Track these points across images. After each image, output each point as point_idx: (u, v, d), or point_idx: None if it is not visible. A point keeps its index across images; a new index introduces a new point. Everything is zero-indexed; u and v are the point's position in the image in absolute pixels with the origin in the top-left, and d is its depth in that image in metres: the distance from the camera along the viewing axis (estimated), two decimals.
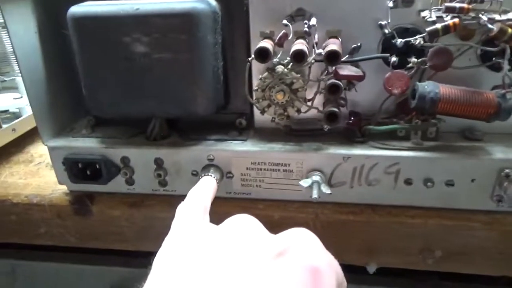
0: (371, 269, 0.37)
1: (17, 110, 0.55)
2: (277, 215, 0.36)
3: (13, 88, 0.67)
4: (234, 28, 0.36)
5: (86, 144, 0.38)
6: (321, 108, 0.35)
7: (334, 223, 0.36)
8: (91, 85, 0.35)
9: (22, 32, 0.35)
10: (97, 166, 0.38)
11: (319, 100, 0.36)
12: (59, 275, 0.49)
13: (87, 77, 0.35)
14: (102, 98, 0.35)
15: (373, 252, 0.37)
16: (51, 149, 0.38)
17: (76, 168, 0.38)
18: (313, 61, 0.32)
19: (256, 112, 0.38)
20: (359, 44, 0.33)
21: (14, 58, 0.65)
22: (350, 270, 0.40)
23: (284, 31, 0.33)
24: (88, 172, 0.38)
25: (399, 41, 0.32)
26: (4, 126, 0.49)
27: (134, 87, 0.34)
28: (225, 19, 0.35)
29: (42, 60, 0.38)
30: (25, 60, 0.36)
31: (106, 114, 0.36)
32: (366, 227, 0.35)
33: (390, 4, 0.32)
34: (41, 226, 0.41)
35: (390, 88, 0.33)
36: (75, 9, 0.33)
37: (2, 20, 0.62)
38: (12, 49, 0.64)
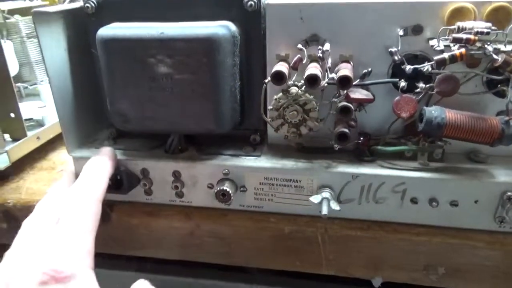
0: (377, 283, 0.39)
1: (41, 118, 0.57)
2: (287, 229, 0.38)
3: (35, 95, 0.70)
4: (251, 50, 0.38)
5: None
6: (332, 127, 0.37)
7: (342, 238, 0.37)
8: (117, 102, 0.37)
9: (54, 49, 0.38)
10: (119, 177, 0.40)
11: (330, 119, 0.37)
12: None
13: (113, 94, 0.37)
14: (126, 114, 0.37)
15: (379, 267, 0.38)
16: (76, 159, 0.41)
17: None
18: (326, 84, 0.34)
19: (270, 129, 0.40)
20: (369, 69, 0.35)
21: (37, 67, 0.68)
22: (356, 284, 0.42)
23: (299, 55, 0.35)
24: (110, 182, 0.40)
25: (408, 68, 0.34)
26: (29, 134, 0.52)
27: (156, 104, 0.36)
28: (243, 42, 0.37)
29: (70, 76, 0.40)
30: (55, 75, 0.38)
31: (129, 128, 0.38)
32: (373, 242, 0.37)
33: (401, 32, 0.34)
34: None
35: (398, 112, 0.34)
36: (104, 32, 0.35)
37: (29, 32, 0.65)
38: (35, 59, 0.67)
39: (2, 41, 0.56)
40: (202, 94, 0.36)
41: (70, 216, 0.32)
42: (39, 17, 0.36)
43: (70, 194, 0.34)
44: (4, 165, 0.46)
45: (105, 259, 0.49)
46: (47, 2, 0.74)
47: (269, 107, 0.37)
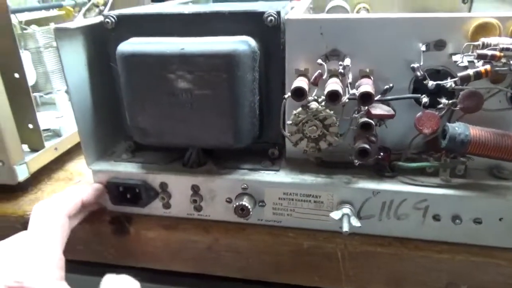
0: None
1: (58, 128, 0.58)
2: (306, 244, 0.38)
3: (50, 104, 0.71)
4: (270, 65, 0.38)
5: (128, 169, 0.40)
6: (351, 142, 0.37)
7: (362, 254, 0.37)
8: (136, 116, 0.37)
9: (74, 64, 0.38)
10: (137, 190, 0.40)
11: (350, 134, 0.37)
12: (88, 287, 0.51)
13: (132, 108, 0.37)
14: (145, 128, 0.37)
15: (400, 284, 0.38)
16: (95, 172, 0.41)
17: (117, 191, 0.41)
18: (346, 100, 0.34)
19: (288, 143, 0.40)
20: (391, 85, 0.35)
21: (53, 76, 0.69)
22: None
23: (319, 71, 0.35)
24: (128, 196, 0.41)
25: (431, 84, 0.33)
26: (47, 144, 0.52)
27: (176, 119, 0.36)
28: (262, 57, 0.37)
29: (90, 90, 0.40)
30: (76, 90, 0.38)
31: (148, 142, 0.39)
32: (394, 259, 0.37)
33: (423, 48, 0.34)
34: (80, 243, 0.44)
35: (421, 128, 0.34)
36: (124, 47, 0.36)
37: (45, 42, 0.66)
38: (51, 69, 0.68)
39: (20, 51, 0.57)
40: (222, 109, 0.35)
41: (38, 228, 0.34)
42: (61, 33, 0.36)
43: (39, 207, 0.35)
44: (24, 176, 0.47)
45: (121, 271, 0.49)
46: (63, 12, 0.75)
47: (288, 122, 0.37)
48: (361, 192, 0.36)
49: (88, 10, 0.77)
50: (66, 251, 0.45)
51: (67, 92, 0.70)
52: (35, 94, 0.66)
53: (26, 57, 0.63)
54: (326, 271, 0.38)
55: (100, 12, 0.77)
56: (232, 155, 0.41)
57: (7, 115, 0.44)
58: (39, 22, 0.69)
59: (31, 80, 0.63)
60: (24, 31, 0.65)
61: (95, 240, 0.43)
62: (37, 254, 0.32)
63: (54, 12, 0.76)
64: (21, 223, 0.44)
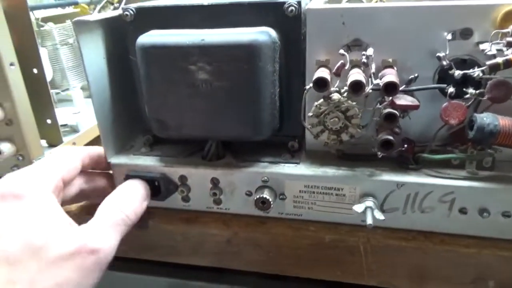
0: None
1: (75, 124, 0.58)
2: (328, 238, 0.37)
3: (66, 100, 0.72)
4: (290, 56, 0.37)
5: (147, 162, 0.40)
6: (374, 134, 0.36)
7: (385, 248, 0.36)
8: (156, 109, 0.37)
9: (93, 57, 0.38)
10: (156, 183, 0.40)
11: (372, 126, 0.36)
12: (109, 283, 0.52)
13: (152, 101, 0.37)
14: (165, 121, 0.37)
15: (424, 279, 0.37)
16: (114, 166, 0.41)
17: None
18: (370, 90, 0.33)
19: (308, 135, 0.39)
20: (416, 75, 0.34)
21: (69, 73, 0.69)
22: None
23: (341, 61, 0.34)
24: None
25: (457, 73, 0.33)
26: (65, 140, 0.52)
27: (195, 111, 0.36)
28: (282, 48, 0.36)
29: (109, 83, 0.40)
30: (95, 83, 0.38)
31: (168, 135, 0.38)
32: (418, 253, 0.36)
33: (449, 36, 0.33)
34: None
35: (447, 118, 0.33)
36: (144, 39, 0.35)
37: (61, 39, 0.66)
38: (68, 65, 0.68)
39: None
40: (242, 100, 0.35)
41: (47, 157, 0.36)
42: (80, 26, 0.36)
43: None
44: None
45: (140, 264, 0.49)
46: (78, 10, 0.75)
47: (309, 113, 0.36)
48: (384, 184, 0.35)
49: (103, 7, 0.77)
50: None
51: (82, 88, 0.71)
52: (52, 90, 0.67)
53: (43, 54, 0.63)
54: (348, 265, 0.38)
55: (115, 9, 0.77)
56: (250, 148, 0.41)
57: (27, 110, 0.45)
58: (55, 19, 0.70)
59: (47, 77, 0.64)
60: (41, 28, 0.66)
61: None
62: (30, 169, 0.32)
63: (69, 10, 0.77)
64: None
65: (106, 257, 0.31)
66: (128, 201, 0.36)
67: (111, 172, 0.41)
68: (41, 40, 0.66)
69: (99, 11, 0.76)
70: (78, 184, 0.38)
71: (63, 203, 0.35)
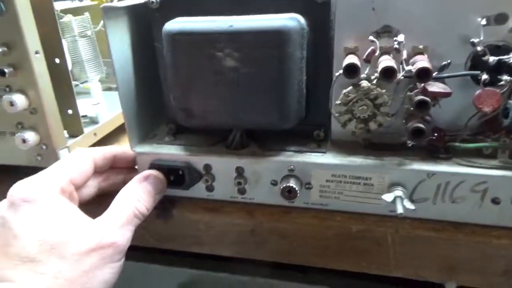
0: (450, 287, 0.37)
1: (94, 115, 0.58)
2: (355, 228, 0.37)
3: (85, 93, 0.72)
4: (318, 43, 0.37)
5: (171, 151, 0.40)
6: (402, 123, 0.36)
7: (414, 239, 0.36)
8: (181, 97, 0.37)
9: (119, 44, 0.38)
10: (181, 172, 0.40)
11: (400, 115, 0.36)
12: (131, 272, 0.52)
13: (177, 88, 0.37)
14: (190, 109, 0.37)
15: (453, 271, 0.36)
16: (138, 155, 0.41)
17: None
18: (401, 77, 0.33)
19: (334, 124, 0.39)
20: (449, 61, 0.33)
21: (88, 65, 0.69)
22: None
23: (372, 47, 0.33)
24: (172, 178, 0.40)
25: (492, 59, 0.32)
26: (86, 130, 0.52)
27: (222, 99, 0.36)
28: (310, 35, 0.36)
29: (133, 71, 0.40)
30: (120, 70, 0.38)
31: (193, 124, 0.38)
32: (448, 244, 0.35)
33: (483, 22, 0.32)
34: None
35: (480, 106, 0.32)
36: (171, 26, 0.35)
37: (80, 31, 0.66)
38: (87, 57, 0.69)
39: None
40: (270, 88, 0.35)
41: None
42: (108, 12, 0.36)
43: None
44: None
45: (162, 255, 0.49)
46: (95, 2, 0.75)
47: (337, 101, 0.36)
48: (414, 174, 0.34)
49: None
50: None
51: (100, 81, 0.71)
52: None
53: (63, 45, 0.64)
54: (375, 256, 0.37)
55: None
56: (275, 137, 0.40)
57: (51, 99, 0.45)
58: (74, 11, 0.70)
59: None
60: (60, 20, 0.66)
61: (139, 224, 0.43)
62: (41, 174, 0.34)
63: (87, 2, 0.77)
64: None
65: (123, 248, 0.33)
66: (141, 196, 0.36)
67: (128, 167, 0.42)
68: (61, 31, 0.66)
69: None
70: (94, 184, 0.39)
71: (81, 203, 0.37)
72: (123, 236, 0.33)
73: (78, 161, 0.36)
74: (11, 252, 0.29)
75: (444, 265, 0.36)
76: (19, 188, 0.31)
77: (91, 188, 0.39)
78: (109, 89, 0.76)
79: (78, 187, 0.36)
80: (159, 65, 0.41)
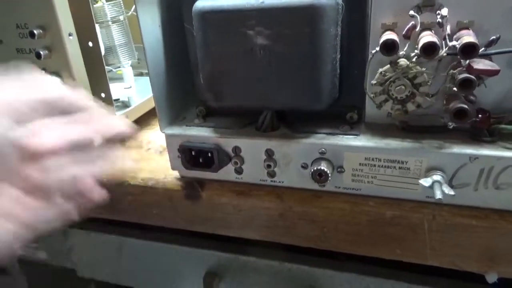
0: (491, 278, 0.35)
1: (126, 99, 0.59)
2: (389, 214, 0.35)
3: (117, 79, 0.73)
4: (353, 20, 0.35)
5: (200, 133, 0.40)
6: (442, 104, 0.33)
7: (453, 227, 0.34)
8: (211, 77, 0.36)
9: (149, 25, 0.38)
10: (210, 154, 0.39)
11: (441, 95, 0.34)
12: (160, 254, 0.53)
13: (207, 69, 0.36)
14: (221, 90, 0.36)
15: (495, 261, 0.34)
16: (168, 137, 0.41)
17: (190, 155, 0.40)
18: (444, 54, 0.31)
19: (368, 106, 0.37)
20: (498, 35, 0.31)
21: (121, 51, 0.70)
22: (466, 278, 0.38)
23: (412, 22, 0.31)
24: (201, 160, 0.40)
25: None
26: (118, 113, 0.53)
27: (252, 79, 0.35)
28: (345, 10, 0.34)
29: (163, 53, 0.40)
30: (151, 51, 0.38)
31: (222, 105, 0.38)
32: (490, 233, 0.33)
33: None
34: (153, 208, 0.44)
35: None
36: (201, 4, 0.34)
37: (113, 16, 0.67)
38: (119, 43, 0.69)
39: None
40: (302, 67, 0.33)
41: None
42: None
43: None
44: (99, 142, 0.48)
45: (189, 237, 0.50)
46: None
47: (372, 81, 0.34)
48: (455, 157, 0.32)
49: None
50: (138, 217, 0.46)
51: (132, 66, 0.72)
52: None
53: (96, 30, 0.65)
54: (410, 243, 0.36)
55: None
56: (306, 120, 0.39)
57: (85, 81, 0.45)
58: None
59: None
60: (94, 5, 0.67)
61: (168, 205, 0.43)
62: None
63: None
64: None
65: None
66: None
67: None
68: (94, 16, 0.67)
69: None
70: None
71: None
72: None
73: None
74: None
75: (484, 255, 0.34)
76: None
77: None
78: (141, 74, 0.77)
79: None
80: (189, 47, 0.41)
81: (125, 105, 0.60)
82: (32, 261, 0.68)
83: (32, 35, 0.40)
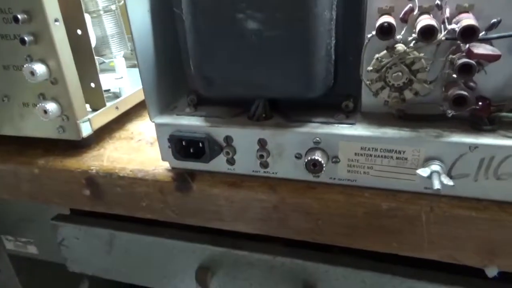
0: (491, 273, 0.34)
1: (117, 90, 0.58)
2: (385, 205, 0.34)
3: (109, 70, 0.71)
4: (349, 3, 0.34)
5: (191, 122, 0.38)
6: (441, 91, 0.32)
7: (451, 218, 0.33)
8: (201, 63, 0.35)
9: (138, 11, 0.36)
10: (200, 144, 0.38)
11: (439, 82, 0.32)
12: (152, 248, 0.51)
13: (197, 54, 0.35)
14: (211, 77, 0.35)
15: (495, 254, 0.33)
16: (158, 126, 0.39)
17: (180, 145, 0.39)
18: (443, 38, 0.29)
19: (364, 94, 0.36)
20: (499, 19, 0.29)
21: (113, 41, 0.69)
22: (465, 272, 0.37)
23: (410, 5, 0.30)
24: (192, 150, 0.39)
25: None
26: (108, 104, 0.52)
27: (244, 66, 0.34)
28: None
29: (152, 39, 0.39)
30: (139, 38, 0.37)
31: (213, 93, 0.36)
32: (490, 225, 0.32)
33: None
34: (143, 200, 0.43)
35: None
36: None
37: (105, 5, 0.65)
38: (111, 33, 0.68)
39: None
40: (295, 52, 0.32)
41: None
42: None
43: None
44: (87, 132, 0.47)
45: (181, 230, 0.49)
46: None
47: (368, 68, 0.33)
48: (454, 147, 0.31)
49: None
50: (128, 209, 0.45)
51: (124, 57, 0.70)
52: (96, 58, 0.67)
53: (87, 20, 0.63)
54: (407, 236, 0.35)
55: None
56: (300, 108, 0.38)
57: (72, 69, 0.44)
58: None
59: (92, 43, 0.63)
60: None
61: (158, 197, 0.42)
62: None
63: None
64: (85, 178, 0.44)
65: None
66: None
67: None
68: (85, 5, 0.65)
69: None
70: None
71: None
72: None
73: None
74: None
75: (484, 248, 0.33)
76: None
77: None
78: (135, 65, 0.75)
79: None
80: (179, 33, 0.39)
81: (116, 95, 0.58)
82: (22, 256, 0.67)
83: (16, 20, 0.39)
